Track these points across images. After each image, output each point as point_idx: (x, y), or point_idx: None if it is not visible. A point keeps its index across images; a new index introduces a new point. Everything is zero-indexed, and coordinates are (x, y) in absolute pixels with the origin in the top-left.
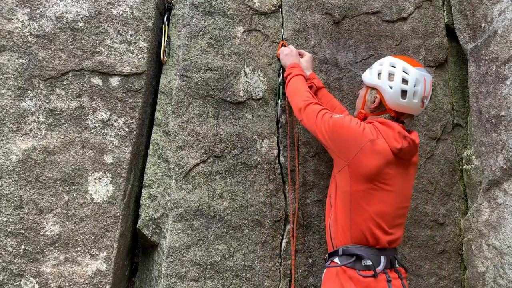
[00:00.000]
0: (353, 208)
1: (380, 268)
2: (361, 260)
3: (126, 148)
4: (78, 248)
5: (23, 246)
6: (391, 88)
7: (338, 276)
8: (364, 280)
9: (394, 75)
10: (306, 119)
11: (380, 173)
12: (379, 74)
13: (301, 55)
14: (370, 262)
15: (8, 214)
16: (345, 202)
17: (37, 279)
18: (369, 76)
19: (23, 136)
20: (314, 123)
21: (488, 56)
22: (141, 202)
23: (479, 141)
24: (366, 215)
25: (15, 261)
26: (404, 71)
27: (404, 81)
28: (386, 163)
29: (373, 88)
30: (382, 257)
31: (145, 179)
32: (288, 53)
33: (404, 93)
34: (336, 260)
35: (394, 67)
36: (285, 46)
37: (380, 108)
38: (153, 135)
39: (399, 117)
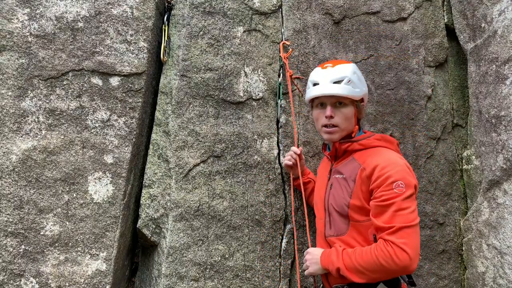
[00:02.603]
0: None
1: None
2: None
3: (126, 148)
4: (78, 248)
5: (23, 246)
6: (367, 88)
7: None
8: None
9: (363, 77)
10: (403, 244)
11: None
12: (360, 81)
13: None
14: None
15: (8, 214)
16: None
17: (37, 279)
18: (358, 90)
19: (23, 136)
20: (403, 224)
21: (488, 56)
22: (141, 202)
23: (479, 141)
24: None
25: (15, 261)
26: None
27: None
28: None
29: (357, 100)
30: None
31: (145, 179)
32: (312, 253)
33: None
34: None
35: (358, 69)
36: (286, 45)
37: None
38: (153, 135)
39: None
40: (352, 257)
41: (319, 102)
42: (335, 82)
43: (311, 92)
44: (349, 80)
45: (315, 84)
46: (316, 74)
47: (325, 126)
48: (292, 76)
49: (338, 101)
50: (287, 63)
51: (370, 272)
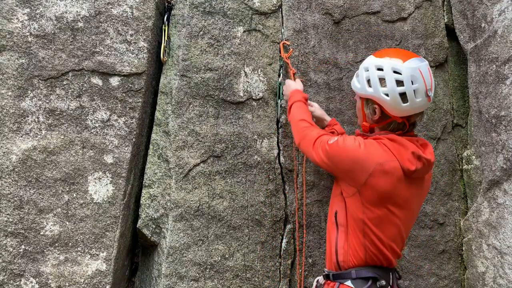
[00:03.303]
0: (366, 234)
1: (391, 284)
2: (376, 281)
3: (126, 148)
4: (78, 248)
5: (23, 246)
6: (387, 95)
7: None
8: None
9: (385, 80)
10: (304, 148)
11: (393, 195)
12: (368, 81)
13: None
14: (384, 283)
15: (8, 214)
16: (358, 228)
17: (37, 279)
18: (358, 86)
19: (23, 136)
20: (312, 150)
21: (488, 56)
22: (141, 202)
23: (479, 141)
24: (380, 241)
25: (15, 261)
26: (395, 72)
27: (399, 83)
28: (397, 185)
29: (368, 99)
30: (390, 274)
31: (145, 179)
32: (287, 84)
33: (403, 96)
34: (349, 283)
35: (382, 69)
36: (286, 45)
37: (384, 117)
38: (153, 135)
39: (409, 119)
40: (290, 115)
41: None
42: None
43: None
44: (357, 74)
45: None
46: None
47: None
48: (295, 75)
49: None
50: (289, 62)
51: (292, 127)
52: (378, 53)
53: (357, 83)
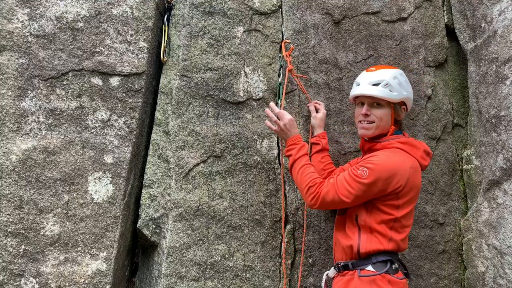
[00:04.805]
0: (394, 228)
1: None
2: (391, 264)
3: (126, 148)
4: (78, 248)
5: (23, 246)
6: (411, 95)
7: (376, 283)
8: (401, 282)
9: (407, 83)
10: (327, 197)
11: (419, 190)
12: (400, 86)
13: (317, 110)
14: (397, 265)
15: (8, 214)
16: (386, 225)
17: (37, 279)
18: (395, 93)
19: (23, 136)
20: (339, 196)
21: (488, 56)
22: (141, 202)
23: (479, 141)
24: (404, 230)
25: (15, 261)
26: (406, 77)
27: (410, 84)
28: (420, 180)
29: (398, 102)
30: (398, 257)
31: (145, 179)
32: (286, 124)
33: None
34: (370, 268)
35: (403, 75)
36: (287, 43)
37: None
38: (153, 135)
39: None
40: (294, 171)
41: (360, 101)
42: (374, 84)
43: (353, 91)
44: (386, 84)
45: (358, 85)
46: (360, 76)
47: (360, 122)
48: (292, 72)
49: (375, 102)
50: (289, 60)
51: (296, 183)
52: (384, 66)
53: (392, 91)
